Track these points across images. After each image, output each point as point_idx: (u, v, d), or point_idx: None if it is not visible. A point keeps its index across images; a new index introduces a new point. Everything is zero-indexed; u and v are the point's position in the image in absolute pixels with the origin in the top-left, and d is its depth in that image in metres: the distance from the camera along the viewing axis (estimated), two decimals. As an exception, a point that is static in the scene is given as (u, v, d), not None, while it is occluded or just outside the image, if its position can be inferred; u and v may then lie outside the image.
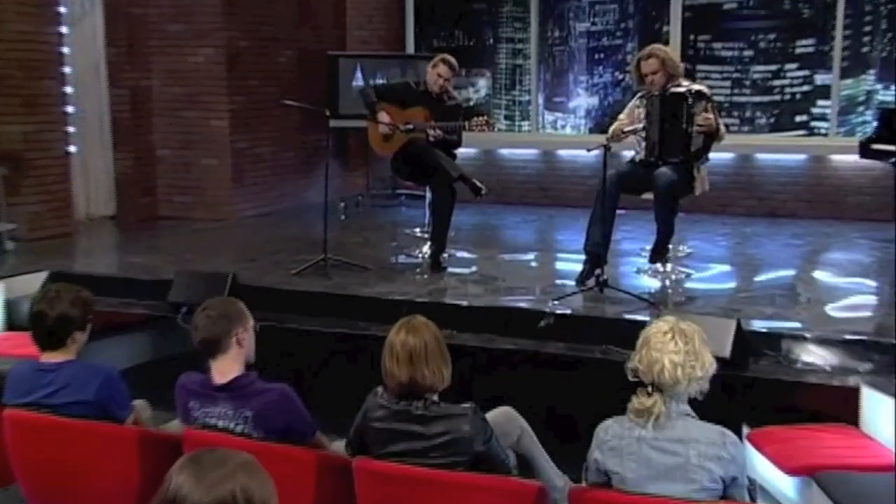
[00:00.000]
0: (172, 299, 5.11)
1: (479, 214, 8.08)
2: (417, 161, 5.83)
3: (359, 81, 8.20)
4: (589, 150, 4.92)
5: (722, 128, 5.22)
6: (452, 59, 6.00)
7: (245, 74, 7.83)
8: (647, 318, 4.22)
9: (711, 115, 5.10)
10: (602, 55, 8.34)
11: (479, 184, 5.74)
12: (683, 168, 5.16)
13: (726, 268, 5.83)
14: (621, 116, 5.52)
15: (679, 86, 5.23)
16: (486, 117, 6.03)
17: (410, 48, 8.91)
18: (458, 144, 6.06)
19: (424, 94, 6.04)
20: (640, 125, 5.14)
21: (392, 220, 7.94)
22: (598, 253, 5.10)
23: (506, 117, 8.83)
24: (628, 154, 5.67)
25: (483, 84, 8.86)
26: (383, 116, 5.96)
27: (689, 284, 5.35)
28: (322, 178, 5.95)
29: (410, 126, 5.82)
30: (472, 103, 8.81)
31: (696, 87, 5.25)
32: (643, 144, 5.29)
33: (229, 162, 7.74)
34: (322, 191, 5.85)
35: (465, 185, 5.75)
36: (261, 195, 8.11)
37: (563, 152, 8.56)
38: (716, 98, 8.03)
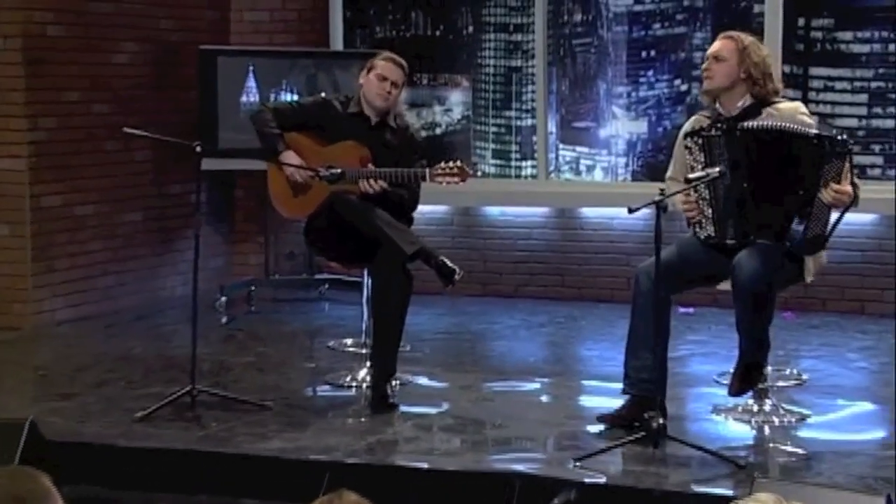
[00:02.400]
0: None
1: (452, 315, 8.15)
2: (348, 228, 5.91)
3: (251, 94, 8.33)
4: (632, 211, 5.03)
5: (859, 191, 5.20)
6: (401, 59, 6.15)
7: (57, 82, 7.90)
8: (732, 493, 4.29)
9: (847, 187, 5.10)
10: (653, 51, 8.47)
11: (450, 264, 5.83)
12: (782, 250, 5.21)
13: (869, 406, 5.94)
14: (669, 175, 5.66)
15: (776, 109, 5.38)
16: (457, 161, 6.01)
17: (337, 41, 9.06)
18: (415, 202, 6.18)
19: (357, 120, 6.17)
20: (715, 171, 5.17)
21: (307, 324, 7.98)
22: (645, 396, 5.24)
23: (496, 154, 8.92)
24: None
25: (458, 100, 8.98)
26: (291, 157, 6.06)
27: (803, 434, 5.45)
28: (189, 256, 5.95)
29: (336, 171, 5.92)
30: (439, 133, 8.92)
31: (803, 115, 5.36)
32: (708, 213, 5.38)
33: (27, 230, 7.76)
34: (189, 277, 5.91)
35: (427, 266, 5.85)
36: (83, 286, 8.11)
37: (588, 212, 8.64)
38: (846, 122, 8.20)
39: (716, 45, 5.42)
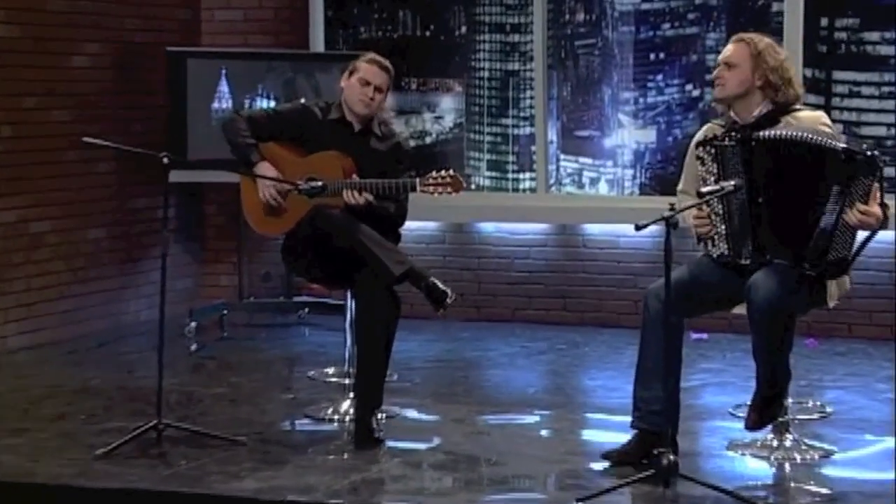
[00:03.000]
0: None
1: (443, 341, 8.15)
2: (330, 246, 5.92)
3: (223, 100, 8.34)
4: (639, 228, 5.03)
5: (889, 211, 5.16)
6: (386, 62, 6.16)
7: (11, 88, 7.90)
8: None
9: (876, 208, 5.07)
10: (663, 53, 8.49)
11: (441, 286, 5.83)
12: (800, 272, 5.22)
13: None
14: (680, 188, 5.66)
15: (794, 118, 5.37)
16: (449, 170, 5.97)
17: (318, 42, 9.06)
18: (403, 216, 6.19)
19: (339, 127, 6.18)
20: (730, 184, 5.17)
21: (285, 352, 7.98)
22: (655, 431, 5.23)
23: (490, 166, 8.94)
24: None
25: (449, 106, 9.00)
26: (267, 168, 6.07)
27: (827, 472, 5.44)
28: (155, 277, 5.92)
29: (317, 185, 5.92)
30: (429, 142, 8.94)
31: (824, 125, 5.35)
32: (721, 229, 5.39)
33: (-22, 248, 7.82)
34: (155, 300, 5.90)
35: (415, 288, 5.86)
36: (39, 310, 8.10)
37: (592, 229, 8.66)
38: (873, 130, 8.15)
39: (727, 50, 5.41)
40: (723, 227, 5.31)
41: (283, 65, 8.46)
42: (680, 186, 5.64)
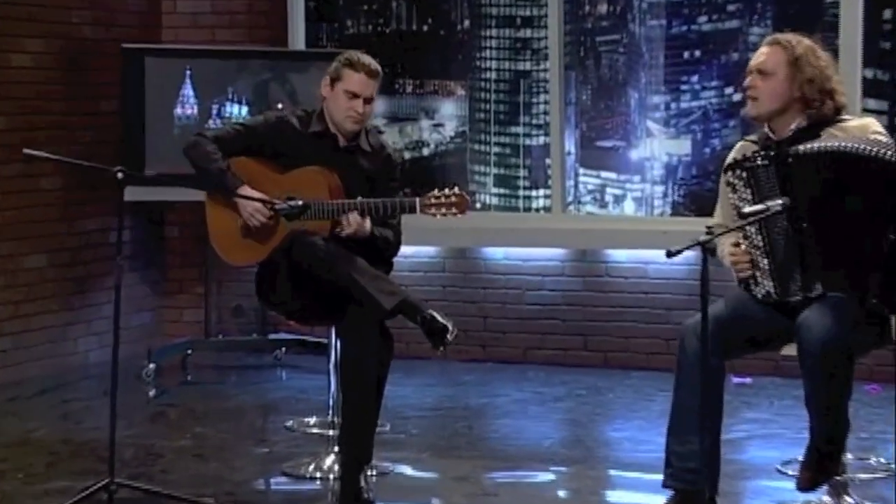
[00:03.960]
0: None
1: (443, 385, 8.17)
2: (312, 278, 5.91)
3: (188, 105, 8.35)
4: (671, 255, 4.98)
5: None
6: (374, 64, 6.14)
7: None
8: None
9: None
10: (699, 51, 8.51)
11: (441, 320, 5.80)
12: (858, 306, 5.15)
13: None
14: (716, 222, 5.62)
15: (840, 128, 5.37)
16: (454, 188, 5.93)
17: (298, 38, 9.10)
18: (396, 244, 6.20)
19: (321, 142, 6.19)
20: (777, 203, 5.12)
21: (258, 398, 7.98)
22: (692, 490, 5.22)
23: (498, 182, 8.95)
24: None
25: (451, 112, 9.03)
26: (246, 190, 6.06)
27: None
28: (108, 311, 5.91)
29: (297, 203, 5.91)
30: (426, 154, 8.97)
31: (876, 133, 5.31)
32: (764, 265, 5.40)
33: None
34: (107, 338, 5.94)
35: (411, 322, 5.85)
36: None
37: (617, 255, 8.67)
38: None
39: (760, 54, 5.42)
40: (765, 261, 5.32)
41: (258, 64, 8.45)
42: (715, 218, 5.63)
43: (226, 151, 6.07)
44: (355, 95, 5.99)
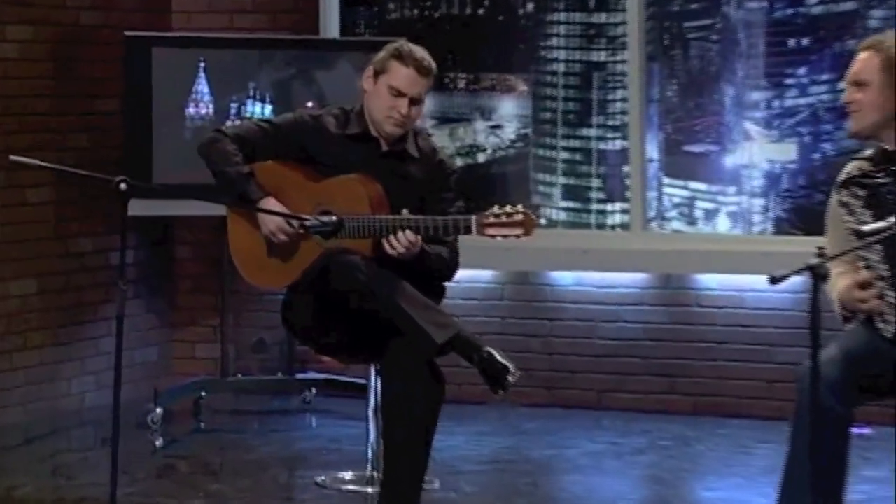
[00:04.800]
0: None
1: (503, 434, 8.17)
2: (349, 307, 5.91)
3: (202, 104, 8.37)
4: (775, 281, 4.86)
5: None
6: (428, 59, 6.16)
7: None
8: None
9: None
10: (808, 39, 8.52)
11: (500, 358, 5.83)
12: None
13: None
14: (826, 244, 5.55)
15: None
16: (517, 206, 5.96)
17: (332, 25, 9.15)
18: (452, 265, 6.23)
19: (361, 146, 6.24)
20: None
21: (284, 449, 7.99)
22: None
23: (567, 193, 8.99)
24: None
25: (511, 112, 9.06)
26: (273, 204, 6.06)
27: None
28: (107, 346, 5.84)
29: (331, 219, 5.93)
30: (482, 160, 9.03)
31: None
32: (892, 297, 5.35)
33: None
34: (107, 377, 6.04)
35: (465, 361, 5.86)
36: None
37: (709, 281, 8.67)
38: None
39: (855, 63, 5.48)
40: (892, 293, 5.26)
41: (283, 56, 8.50)
42: (826, 243, 5.55)
43: (248, 154, 6.11)
44: (400, 93, 6.04)
